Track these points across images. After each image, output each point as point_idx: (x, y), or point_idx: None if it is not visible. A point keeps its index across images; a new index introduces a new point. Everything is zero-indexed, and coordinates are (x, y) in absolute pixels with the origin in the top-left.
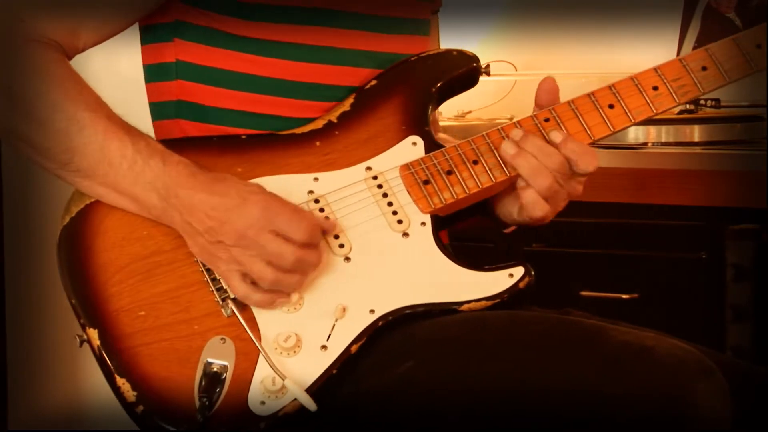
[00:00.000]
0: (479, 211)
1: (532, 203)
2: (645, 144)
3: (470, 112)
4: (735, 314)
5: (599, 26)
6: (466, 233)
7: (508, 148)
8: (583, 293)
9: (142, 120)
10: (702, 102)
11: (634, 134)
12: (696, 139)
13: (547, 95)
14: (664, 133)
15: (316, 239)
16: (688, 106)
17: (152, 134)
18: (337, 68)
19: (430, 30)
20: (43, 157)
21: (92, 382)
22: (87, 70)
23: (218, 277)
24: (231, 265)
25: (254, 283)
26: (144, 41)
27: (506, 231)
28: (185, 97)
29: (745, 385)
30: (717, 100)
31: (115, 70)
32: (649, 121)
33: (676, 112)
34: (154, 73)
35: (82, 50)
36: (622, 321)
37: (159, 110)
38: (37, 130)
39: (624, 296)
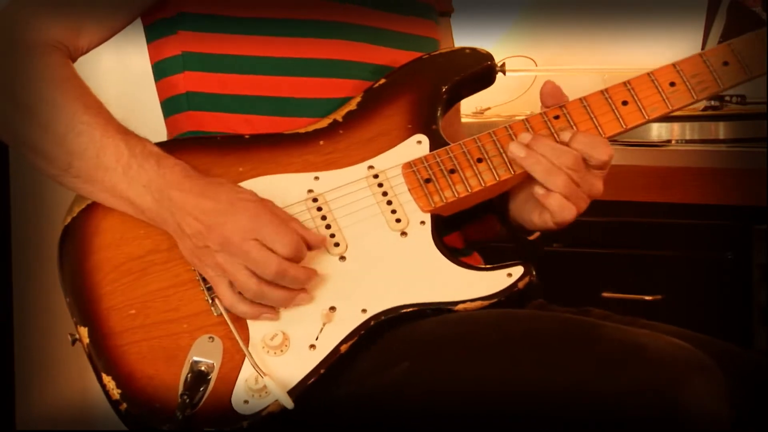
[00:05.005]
0: (484, 213)
1: (559, 208)
2: (669, 141)
3: (489, 108)
4: (762, 315)
5: (621, 21)
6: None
7: (517, 151)
8: (605, 294)
9: (152, 118)
10: (727, 98)
11: (658, 132)
12: (721, 136)
13: (551, 99)
14: (689, 131)
15: (300, 254)
16: (712, 102)
17: (163, 132)
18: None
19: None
20: (47, 162)
21: None
22: (98, 69)
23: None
24: (217, 271)
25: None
26: (149, 39)
27: (530, 238)
28: (194, 88)
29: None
30: (743, 97)
31: (126, 68)
32: (672, 118)
33: (700, 108)
34: (161, 69)
35: (86, 51)
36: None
37: (170, 106)
38: (40, 134)
39: (647, 297)
